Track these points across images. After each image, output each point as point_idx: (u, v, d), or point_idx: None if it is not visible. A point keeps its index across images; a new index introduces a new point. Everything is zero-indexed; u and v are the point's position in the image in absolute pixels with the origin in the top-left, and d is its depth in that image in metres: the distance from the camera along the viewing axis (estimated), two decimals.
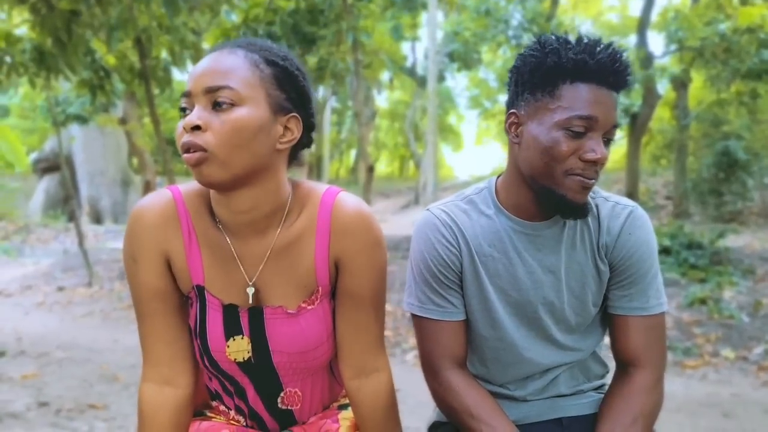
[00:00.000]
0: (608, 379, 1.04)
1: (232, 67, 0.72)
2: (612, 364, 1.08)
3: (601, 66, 0.82)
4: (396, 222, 10.94)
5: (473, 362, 1.02)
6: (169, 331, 0.81)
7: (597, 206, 0.95)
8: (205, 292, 0.80)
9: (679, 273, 5.04)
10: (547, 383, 0.99)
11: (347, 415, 0.92)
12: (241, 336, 0.80)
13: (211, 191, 0.78)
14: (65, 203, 12.52)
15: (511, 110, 0.91)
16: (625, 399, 0.91)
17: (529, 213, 0.93)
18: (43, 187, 14.31)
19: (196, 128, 0.70)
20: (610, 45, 0.84)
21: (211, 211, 0.80)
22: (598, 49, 0.83)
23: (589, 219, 0.94)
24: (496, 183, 0.98)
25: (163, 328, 0.80)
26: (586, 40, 0.84)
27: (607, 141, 0.86)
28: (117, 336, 4.24)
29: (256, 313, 0.81)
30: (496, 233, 0.94)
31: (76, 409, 2.64)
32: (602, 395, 0.99)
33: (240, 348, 0.80)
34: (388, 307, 4.86)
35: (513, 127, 0.91)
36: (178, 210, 0.79)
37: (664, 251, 5.49)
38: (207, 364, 0.82)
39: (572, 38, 0.86)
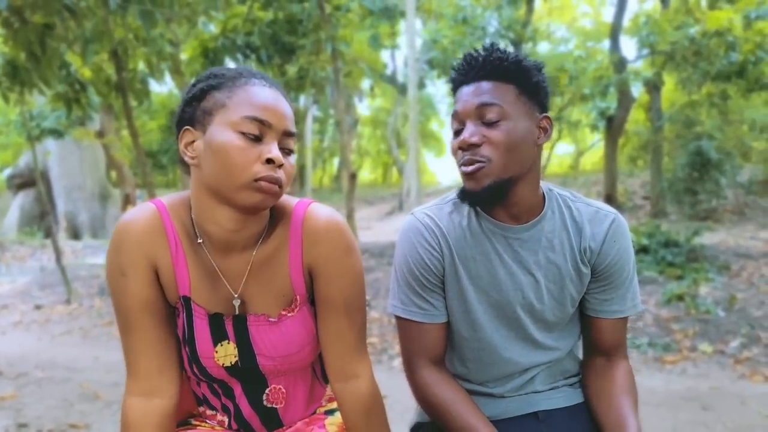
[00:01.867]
0: (580, 375, 1.07)
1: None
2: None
3: (460, 71, 0.96)
4: (380, 229, 10.96)
5: (453, 362, 1.04)
6: (157, 343, 0.82)
7: (579, 210, 0.98)
8: (192, 302, 0.83)
9: (657, 271, 5.15)
10: (525, 382, 1.02)
11: (334, 420, 0.94)
12: (227, 341, 0.83)
13: (201, 210, 0.79)
14: (41, 219, 12.23)
15: None
16: (615, 377, 0.99)
17: (509, 216, 0.96)
18: (19, 203, 13.95)
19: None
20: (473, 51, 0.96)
21: (191, 228, 0.82)
22: (465, 58, 0.96)
23: (569, 222, 0.97)
24: None
25: (152, 340, 0.81)
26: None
27: (489, 123, 0.92)
28: (97, 353, 4.15)
29: (240, 320, 0.84)
30: (478, 236, 0.97)
31: (56, 430, 2.58)
32: (576, 390, 1.03)
33: (227, 353, 0.83)
34: (374, 314, 4.86)
35: None
36: (164, 222, 0.81)
37: (643, 250, 5.61)
38: (196, 371, 0.84)
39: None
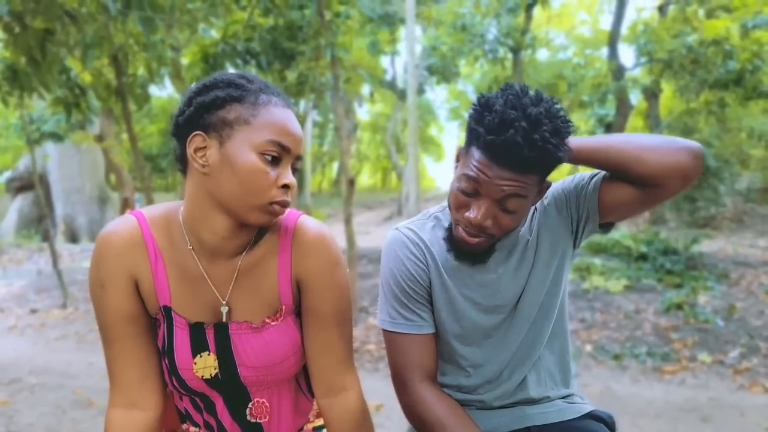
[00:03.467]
0: (575, 389, 1.07)
1: None
2: (576, 370, 1.11)
3: (492, 149, 0.84)
4: (379, 234, 10.93)
5: (445, 371, 1.05)
6: (138, 354, 0.82)
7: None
8: (172, 312, 0.83)
9: (656, 279, 5.15)
10: (516, 386, 1.02)
11: None
12: (207, 353, 0.83)
13: (196, 216, 0.80)
14: (39, 222, 12.20)
15: (460, 147, 0.96)
16: None
17: None
18: (17, 206, 13.91)
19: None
20: (521, 129, 0.82)
21: (176, 234, 0.82)
22: (510, 132, 0.82)
23: (537, 213, 1.03)
24: None
25: (132, 351, 0.82)
26: (507, 113, 0.82)
27: (505, 210, 0.89)
28: (92, 359, 4.13)
29: (222, 329, 0.84)
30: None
31: None
32: (570, 405, 1.04)
33: (207, 365, 0.83)
34: (372, 321, 4.84)
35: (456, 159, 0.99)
36: (144, 234, 0.81)
37: (641, 257, 5.61)
38: (175, 383, 0.84)
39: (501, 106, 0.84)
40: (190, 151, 0.77)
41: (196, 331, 0.83)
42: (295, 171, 0.81)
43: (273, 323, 0.85)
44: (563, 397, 1.05)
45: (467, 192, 0.89)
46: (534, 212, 1.02)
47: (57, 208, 13.10)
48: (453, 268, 0.99)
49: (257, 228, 0.84)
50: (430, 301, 1.00)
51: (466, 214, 0.89)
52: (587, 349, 3.82)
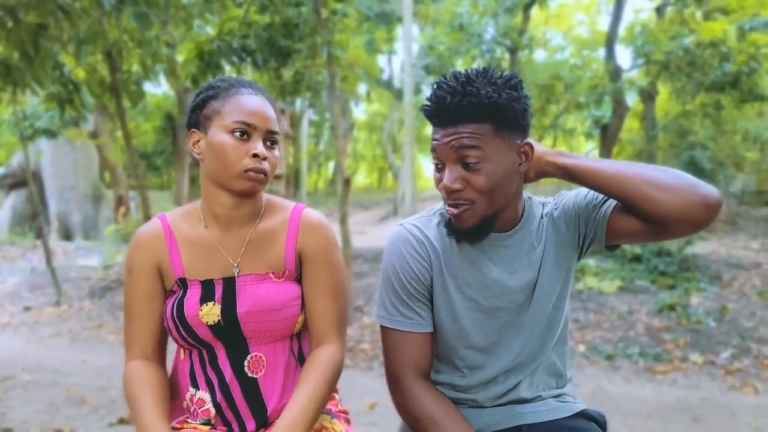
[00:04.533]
0: (567, 389, 1.07)
1: None
2: (570, 374, 1.11)
3: (431, 113, 0.92)
4: (375, 233, 10.93)
5: (440, 370, 1.05)
6: (150, 324, 1.02)
7: (545, 203, 1.06)
8: (187, 281, 1.01)
9: (649, 280, 5.17)
10: (509, 388, 1.02)
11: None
12: (213, 303, 0.98)
13: (207, 195, 1.01)
14: (33, 220, 12.12)
15: None
16: None
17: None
18: (10, 203, 13.82)
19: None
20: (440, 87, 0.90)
21: (193, 220, 1.03)
22: (434, 100, 0.90)
23: (546, 222, 1.02)
24: None
25: (147, 323, 1.02)
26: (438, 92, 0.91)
27: (469, 166, 0.91)
28: (85, 357, 4.11)
29: (230, 281, 1.00)
30: (465, 245, 0.99)
31: None
32: (562, 404, 1.04)
33: (211, 312, 0.97)
34: (367, 320, 4.85)
35: None
36: (164, 228, 1.03)
37: (635, 259, 5.63)
38: (184, 333, 0.97)
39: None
40: (189, 145, 0.99)
41: (207, 285, 0.99)
42: (273, 145, 0.98)
43: (275, 279, 1.01)
44: (555, 397, 1.05)
45: (437, 167, 0.94)
46: (541, 221, 1.01)
47: (51, 206, 13.03)
48: (455, 267, 0.98)
49: (258, 201, 1.02)
50: (430, 299, 0.99)
51: (439, 186, 0.93)
52: (580, 349, 3.84)
